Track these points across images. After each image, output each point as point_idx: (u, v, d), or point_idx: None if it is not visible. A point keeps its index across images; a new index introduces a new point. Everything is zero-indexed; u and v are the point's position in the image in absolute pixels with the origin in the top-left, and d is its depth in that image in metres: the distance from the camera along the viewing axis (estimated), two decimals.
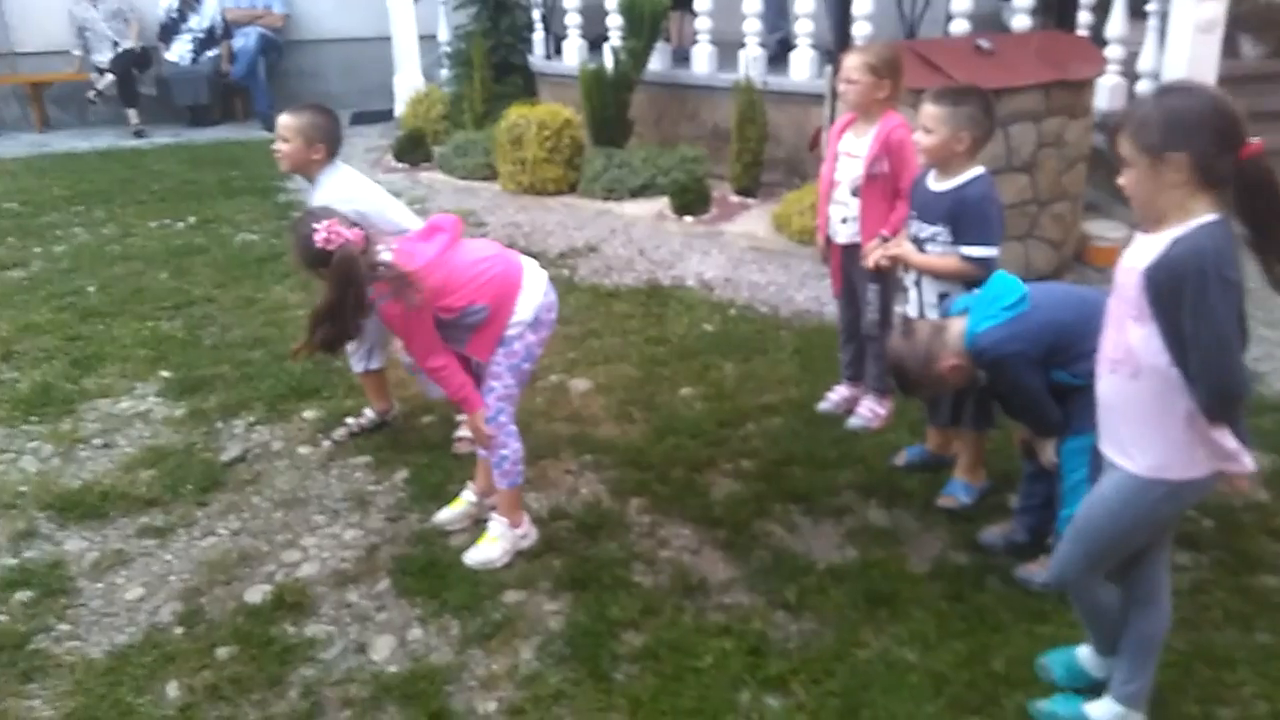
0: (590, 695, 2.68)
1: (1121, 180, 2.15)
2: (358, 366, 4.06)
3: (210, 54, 10.47)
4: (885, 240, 3.69)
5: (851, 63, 3.74)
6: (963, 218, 3.29)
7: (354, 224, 3.05)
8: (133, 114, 10.22)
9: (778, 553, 3.26)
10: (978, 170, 3.34)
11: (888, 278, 3.86)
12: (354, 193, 3.70)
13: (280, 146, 3.73)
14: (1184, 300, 2.03)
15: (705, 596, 3.07)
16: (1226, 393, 2.07)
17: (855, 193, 3.80)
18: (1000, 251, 3.31)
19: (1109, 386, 2.25)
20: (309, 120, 3.70)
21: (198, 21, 10.43)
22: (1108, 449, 2.28)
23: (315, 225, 2.98)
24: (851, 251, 3.88)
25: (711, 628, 2.92)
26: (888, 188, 3.74)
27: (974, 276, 3.23)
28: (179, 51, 10.45)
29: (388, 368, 4.14)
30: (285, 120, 3.70)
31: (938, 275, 3.40)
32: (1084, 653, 2.62)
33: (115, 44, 10.26)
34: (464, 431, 3.89)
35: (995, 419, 3.45)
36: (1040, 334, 2.77)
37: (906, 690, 2.65)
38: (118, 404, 4.40)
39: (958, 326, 2.90)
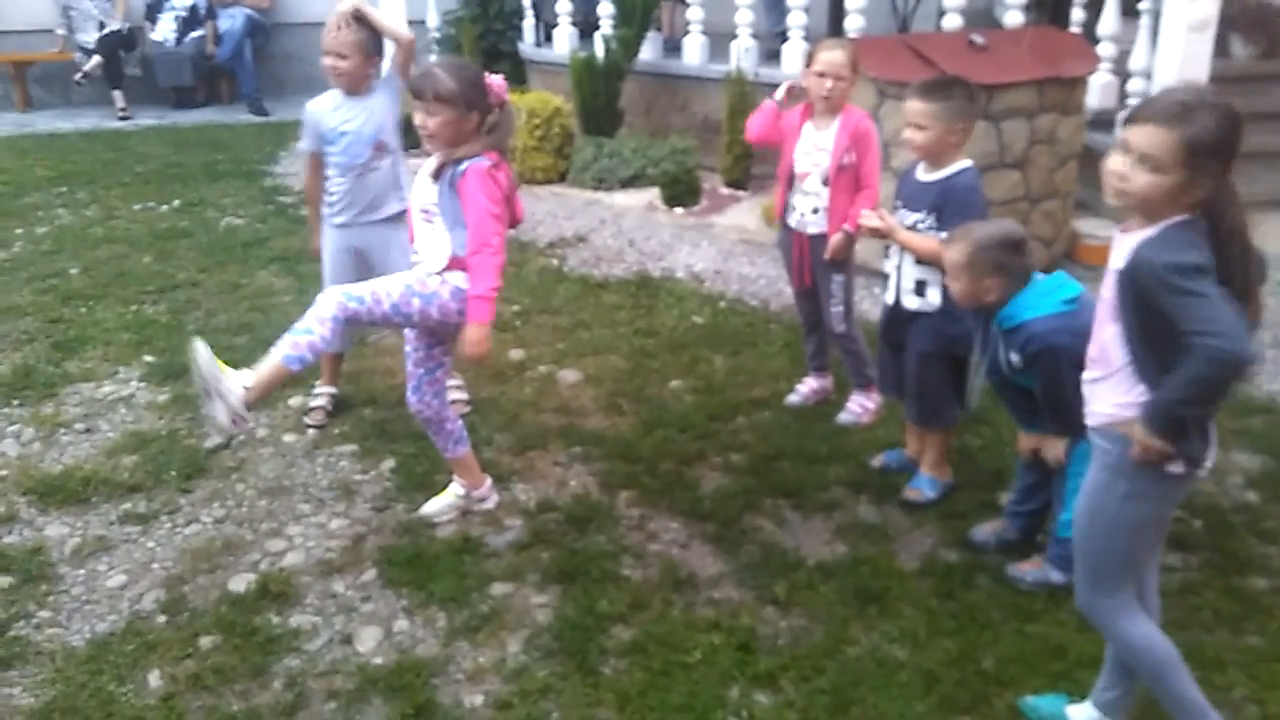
0: (578, 690, 2.66)
1: (1123, 169, 2.05)
2: (336, 345, 4.03)
3: (194, 35, 10.35)
4: (848, 235, 3.73)
5: (839, 59, 3.69)
6: (949, 206, 3.31)
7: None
8: (118, 95, 10.09)
9: (767, 548, 3.25)
10: (966, 162, 3.36)
11: (849, 269, 3.90)
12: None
13: (337, 64, 3.68)
14: (1159, 301, 2.02)
15: (694, 591, 3.05)
16: (1234, 354, 1.96)
17: (826, 182, 3.80)
18: None
19: (1087, 389, 2.26)
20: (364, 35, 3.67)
21: (181, 0, 10.30)
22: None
23: (491, 75, 3.04)
24: (819, 242, 3.86)
25: (700, 623, 2.90)
26: (853, 178, 3.76)
27: None
28: (163, 31, 10.32)
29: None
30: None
31: (918, 258, 3.39)
32: (1074, 712, 2.50)
33: (101, 24, 10.13)
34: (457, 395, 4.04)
35: (959, 415, 3.48)
36: (1085, 334, 2.76)
37: (896, 688, 2.64)
38: (100, 388, 4.35)
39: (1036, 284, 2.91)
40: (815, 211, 3.86)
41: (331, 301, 2.95)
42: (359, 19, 3.64)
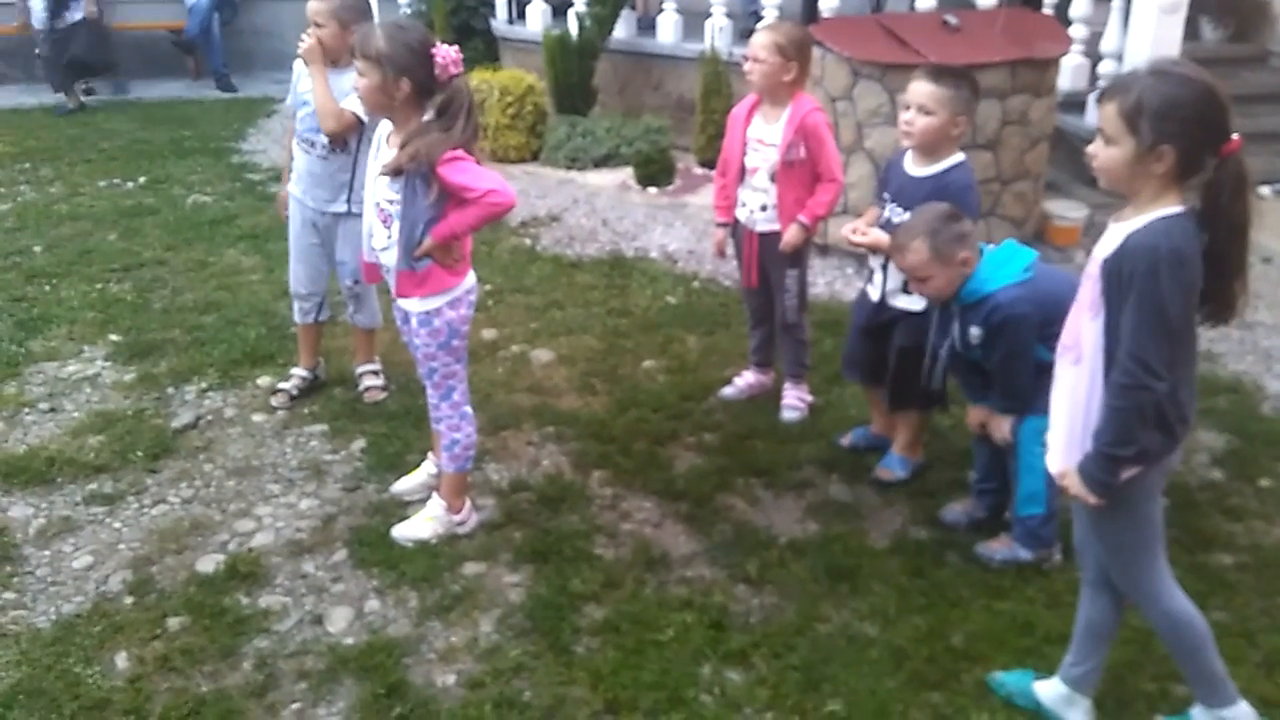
0: (551, 668, 2.66)
1: (1093, 149, 2.10)
2: (308, 318, 3.99)
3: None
4: (803, 226, 3.63)
5: (759, 41, 3.58)
6: None
7: None
8: None
9: (739, 526, 3.26)
10: (960, 157, 3.24)
11: (804, 263, 3.81)
12: None
13: (317, 31, 3.56)
14: (1131, 294, 2.02)
15: (667, 570, 3.05)
16: (1139, 387, 2.04)
17: (774, 179, 3.66)
18: None
19: (1059, 374, 2.26)
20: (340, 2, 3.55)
21: None
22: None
23: (438, 43, 2.80)
24: (770, 240, 3.73)
25: (673, 601, 2.90)
26: (805, 173, 3.62)
27: None
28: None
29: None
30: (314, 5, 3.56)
31: None
32: (1042, 688, 2.52)
33: None
34: (370, 381, 4.04)
35: (946, 400, 3.43)
36: (1044, 302, 2.77)
37: (867, 664, 2.66)
38: (65, 367, 4.29)
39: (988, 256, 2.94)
40: (764, 209, 3.72)
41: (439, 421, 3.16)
42: None
